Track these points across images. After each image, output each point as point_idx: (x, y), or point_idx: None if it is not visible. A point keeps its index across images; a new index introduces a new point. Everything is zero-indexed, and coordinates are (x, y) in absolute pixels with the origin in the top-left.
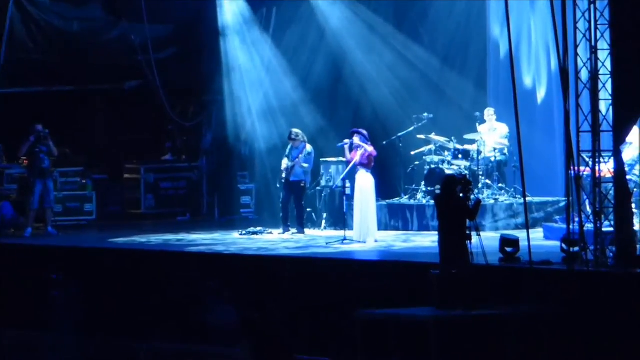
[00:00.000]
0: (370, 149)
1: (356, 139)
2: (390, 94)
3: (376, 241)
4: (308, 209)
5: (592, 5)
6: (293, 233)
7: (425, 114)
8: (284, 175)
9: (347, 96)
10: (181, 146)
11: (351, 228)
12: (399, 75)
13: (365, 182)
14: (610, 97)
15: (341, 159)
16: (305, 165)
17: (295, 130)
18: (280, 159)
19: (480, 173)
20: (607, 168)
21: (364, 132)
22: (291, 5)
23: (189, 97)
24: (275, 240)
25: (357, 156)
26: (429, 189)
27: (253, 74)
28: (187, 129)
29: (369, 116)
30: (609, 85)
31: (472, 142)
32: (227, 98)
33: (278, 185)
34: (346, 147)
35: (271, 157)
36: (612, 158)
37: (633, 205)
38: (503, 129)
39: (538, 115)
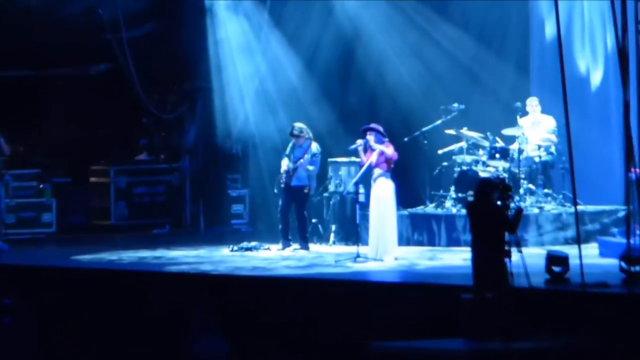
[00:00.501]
0: (389, 151)
1: (371, 139)
2: (413, 80)
3: (396, 259)
4: (313, 220)
5: None
6: (295, 249)
7: (455, 105)
8: (283, 178)
9: (361, 83)
10: (159, 143)
11: (366, 243)
12: (423, 58)
13: (383, 187)
14: None
15: (354, 159)
16: (311, 167)
17: (298, 124)
18: (280, 159)
19: (522, 176)
20: None
21: (380, 128)
22: None
23: (168, 84)
24: (274, 257)
25: (372, 156)
26: (459, 195)
27: (247, 57)
28: (167, 123)
29: (387, 107)
30: None
31: (512, 138)
32: (215, 85)
33: (276, 191)
34: (360, 149)
35: (268, 157)
36: None
37: None
38: (549, 122)
39: (591, 105)
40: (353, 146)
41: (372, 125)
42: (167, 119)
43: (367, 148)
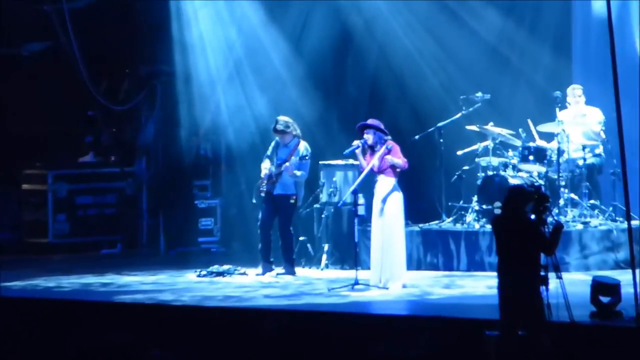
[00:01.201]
0: (400, 160)
1: (370, 139)
2: (425, 63)
3: (404, 286)
4: (301, 238)
5: None
6: (278, 274)
7: (479, 94)
8: (264, 185)
9: (361, 67)
10: (109, 142)
11: (367, 267)
12: (438, 36)
13: (388, 197)
14: None
15: (352, 161)
16: (298, 173)
17: (283, 118)
18: (259, 161)
19: (562, 183)
20: None
21: (380, 124)
22: None
23: (120, 68)
24: (252, 284)
25: (374, 159)
26: (484, 207)
27: (219, 34)
28: (118, 116)
29: (392, 97)
30: None
31: (550, 136)
32: (178, 69)
33: (255, 201)
34: (358, 152)
35: (246, 159)
36: None
37: None
38: (596, 116)
39: None
40: (349, 150)
41: (370, 121)
42: (119, 111)
43: (367, 150)
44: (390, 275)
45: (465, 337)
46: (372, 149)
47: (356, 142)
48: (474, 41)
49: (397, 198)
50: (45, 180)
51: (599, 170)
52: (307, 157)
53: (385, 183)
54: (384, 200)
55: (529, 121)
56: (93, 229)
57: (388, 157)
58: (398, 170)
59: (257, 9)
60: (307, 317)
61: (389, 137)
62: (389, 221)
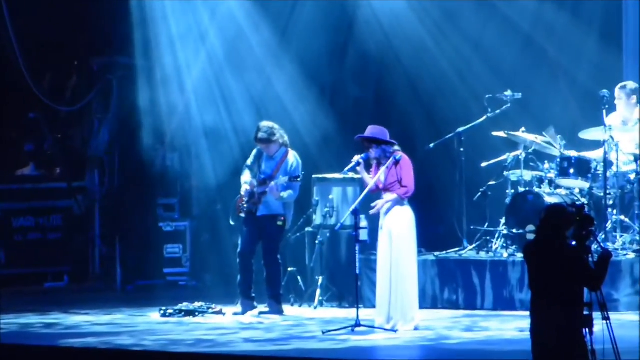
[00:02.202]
0: (410, 181)
1: (372, 152)
2: (443, 56)
3: (416, 328)
4: (290, 269)
5: None
6: (261, 313)
7: (508, 93)
8: (244, 204)
9: (363, 61)
10: (53, 151)
11: (371, 305)
12: (459, 23)
13: (396, 219)
14: None
15: (351, 175)
16: (285, 194)
17: (266, 124)
18: (238, 173)
19: (610, 202)
20: None
21: (384, 134)
22: None
23: (67, 60)
24: (229, 326)
25: (380, 173)
26: (513, 231)
27: (188, 19)
28: (65, 119)
29: (402, 97)
30: None
31: (596, 144)
32: (139, 62)
33: (233, 223)
34: (359, 168)
35: (221, 172)
36: None
37: None
38: None
39: None
40: (348, 167)
41: (369, 132)
42: (66, 112)
43: (372, 163)
44: (399, 315)
45: None
46: (378, 161)
47: (357, 158)
48: (502, 28)
49: (408, 219)
50: None
51: None
52: (299, 179)
53: (393, 203)
54: (391, 223)
55: (550, 132)
56: (34, 258)
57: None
58: (409, 190)
59: None
60: None
61: (396, 147)
62: (397, 248)
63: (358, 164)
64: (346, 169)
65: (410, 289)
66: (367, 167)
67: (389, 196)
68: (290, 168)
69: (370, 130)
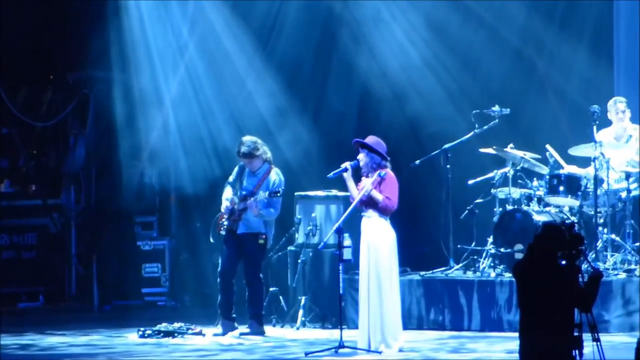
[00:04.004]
0: (379, 196)
1: (362, 157)
2: (429, 70)
3: (401, 350)
4: (271, 289)
5: None
6: (242, 334)
7: (496, 108)
8: (224, 221)
9: (347, 75)
10: (28, 167)
11: (355, 325)
12: (446, 35)
13: (379, 237)
14: None
15: (335, 192)
16: (263, 212)
17: (249, 139)
18: (219, 191)
19: (601, 221)
20: None
21: (380, 145)
22: None
23: (43, 75)
24: (209, 347)
25: (367, 186)
26: (502, 250)
27: (167, 32)
28: (40, 135)
29: (386, 112)
30: None
31: (586, 161)
32: (116, 76)
33: (213, 241)
34: (347, 175)
35: (201, 189)
36: None
37: None
38: None
39: None
40: (334, 172)
41: (370, 140)
42: (41, 127)
43: (364, 173)
44: (384, 336)
45: None
46: (366, 172)
47: (346, 164)
48: (491, 42)
49: (389, 238)
50: None
51: None
52: (278, 194)
53: (373, 220)
54: (372, 242)
55: (548, 147)
56: (8, 277)
57: (372, 190)
58: (392, 206)
59: (215, 2)
60: None
61: (388, 164)
62: (381, 266)
63: (345, 170)
64: (332, 173)
65: (391, 309)
66: (356, 180)
67: (371, 213)
68: (272, 185)
69: (370, 140)
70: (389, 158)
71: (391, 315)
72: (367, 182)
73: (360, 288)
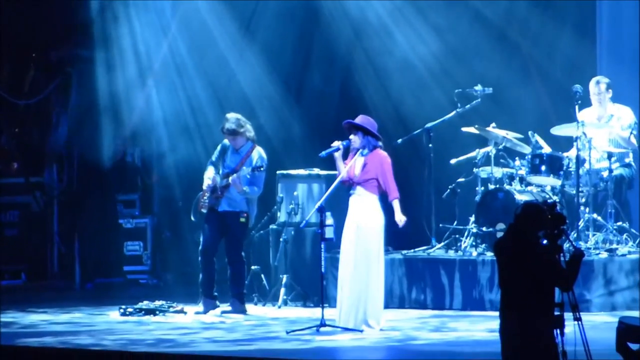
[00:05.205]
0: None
1: (355, 142)
2: (412, 50)
3: (382, 329)
4: (253, 267)
5: None
6: (224, 312)
7: (479, 88)
8: (207, 199)
9: (329, 54)
10: (10, 145)
11: (335, 304)
12: (427, 15)
13: (366, 217)
14: None
15: (317, 170)
16: (247, 189)
17: (233, 115)
18: (202, 170)
19: (583, 200)
20: None
21: (373, 125)
22: None
23: (25, 52)
24: (190, 325)
25: (356, 168)
26: (483, 229)
27: (150, 11)
28: (22, 113)
29: (369, 92)
30: None
31: (568, 141)
32: (98, 55)
33: (194, 219)
34: (337, 155)
35: (183, 167)
36: None
37: None
38: (626, 117)
39: None
40: (326, 151)
41: (360, 120)
42: (23, 105)
43: (352, 152)
44: (365, 315)
45: None
46: (359, 152)
47: (337, 143)
48: (474, 21)
49: (378, 220)
50: None
51: (629, 185)
52: (261, 168)
53: (363, 199)
54: (362, 222)
55: (532, 134)
56: None
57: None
58: (384, 184)
59: None
60: None
61: (381, 144)
62: (364, 247)
63: (337, 149)
64: (324, 152)
65: (375, 288)
66: (345, 158)
67: (362, 191)
68: (254, 164)
69: (361, 120)
70: (381, 138)
71: (375, 296)
72: (357, 164)
73: (341, 267)
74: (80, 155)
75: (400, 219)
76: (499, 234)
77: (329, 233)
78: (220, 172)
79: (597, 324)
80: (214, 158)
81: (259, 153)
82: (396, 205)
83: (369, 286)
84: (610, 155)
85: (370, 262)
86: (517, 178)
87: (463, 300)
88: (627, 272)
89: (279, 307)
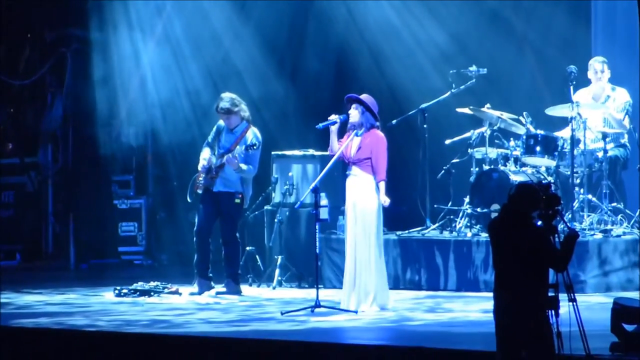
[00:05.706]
0: (383, 157)
1: (354, 115)
2: (406, 29)
3: (383, 309)
4: (248, 248)
5: None
6: (218, 293)
7: (473, 68)
8: (202, 180)
9: (324, 34)
10: (5, 125)
11: (331, 285)
12: None
13: (363, 197)
14: None
15: (312, 151)
16: (244, 167)
17: (228, 95)
18: (196, 151)
19: (577, 181)
20: None
21: (373, 105)
22: None
23: (20, 32)
24: (185, 306)
25: (352, 147)
26: (478, 210)
27: None
28: (17, 93)
29: (363, 71)
30: None
31: (563, 121)
32: (94, 35)
33: (190, 200)
34: (333, 128)
35: (178, 148)
36: None
37: None
38: (621, 98)
39: None
40: (323, 123)
41: (366, 99)
42: (18, 86)
43: (350, 129)
44: (361, 295)
45: None
46: (355, 129)
47: (334, 117)
48: (468, 2)
49: (374, 200)
50: None
51: (624, 165)
52: (255, 146)
53: (361, 180)
54: (359, 203)
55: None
56: None
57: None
58: (381, 165)
59: None
60: (254, 347)
61: (379, 124)
62: (361, 227)
63: (334, 123)
64: (321, 124)
65: (372, 269)
66: (340, 135)
67: (358, 172)
68: (250, 143)
69: (366, 98)
70: (379, 120)
71: (371, 275)
72: (354, 142)
73: (347, 248)
74: (75, 136)
75: (384, 199)
76: (494, 215)
77: (324, 214)
78: (216, 152)
79: (592, 304)
80: (209, 139)
81: (253, 133)
82: (382, 186)
83: (366, 267)
84: (605, 136)
85: (370, 242)
86: (512, 159)
87: (457, 281)
88: (621, 253)
89: (274, 287)
